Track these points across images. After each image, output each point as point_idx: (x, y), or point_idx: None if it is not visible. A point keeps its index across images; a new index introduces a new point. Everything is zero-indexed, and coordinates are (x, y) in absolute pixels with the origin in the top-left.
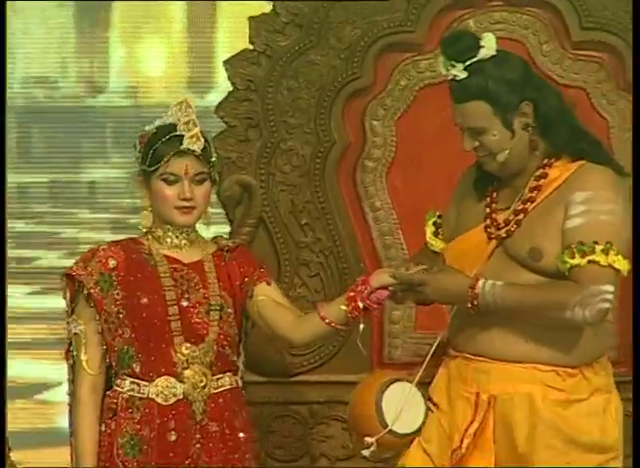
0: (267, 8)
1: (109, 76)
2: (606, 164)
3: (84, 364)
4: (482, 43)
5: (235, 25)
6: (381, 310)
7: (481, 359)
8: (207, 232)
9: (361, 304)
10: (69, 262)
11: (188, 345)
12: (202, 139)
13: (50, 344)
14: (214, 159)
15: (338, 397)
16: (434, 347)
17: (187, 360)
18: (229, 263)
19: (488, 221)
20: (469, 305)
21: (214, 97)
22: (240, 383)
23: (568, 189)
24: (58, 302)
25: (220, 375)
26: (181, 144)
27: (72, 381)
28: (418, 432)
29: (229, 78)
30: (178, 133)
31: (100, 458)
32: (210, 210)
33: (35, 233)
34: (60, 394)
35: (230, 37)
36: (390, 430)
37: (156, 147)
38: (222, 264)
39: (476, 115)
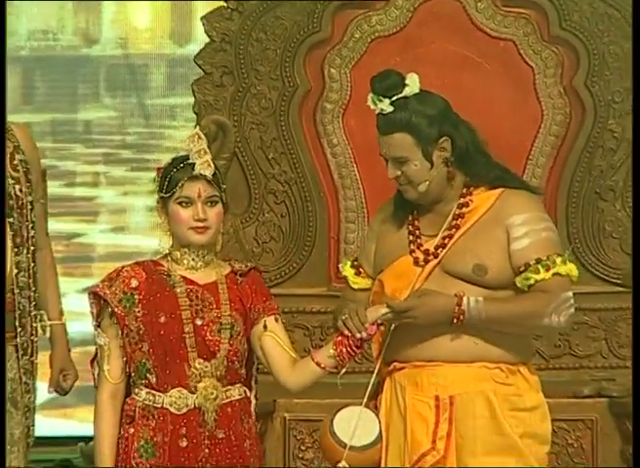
0: None
1: (102, 29)
2: (521, 187)
3: (106, 373)
4: (407, 82)
5: None
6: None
7: (436, 364)
8: None
9: (345, 350)
10: (69, 191)
11: (201, 360)
12: (212, 166)
13: None
14: (224, 186)
15: (300, 307)
16: (376, 370)
17: (200, 374)
18: (242, 286)
19: (412, 247)
20: (455, 321)
21: (193, 48)
22: (248, 393)
23: (500, 213)
24: None
25: (230, 387)
26: (194, 170)
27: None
28: (378, 441)
29: (206, 31)
30: (190, 161)
31: (118, 460)
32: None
33: None
34: None
35: None
36: (351, 446)
37: (171, 175)
38: (235, 287)
39: (400, 146)
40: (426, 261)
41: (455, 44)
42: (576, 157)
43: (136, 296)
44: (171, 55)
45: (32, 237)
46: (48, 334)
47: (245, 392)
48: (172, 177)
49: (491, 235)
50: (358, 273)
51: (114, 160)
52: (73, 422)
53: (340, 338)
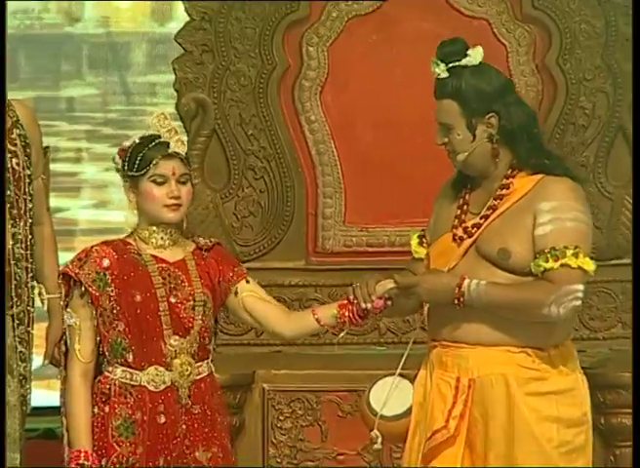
0: None
1: (84, 8)
2: (564, 175)
3: (77, 353)
4: (469, 52)
5: None
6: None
7: (460, 345)
8: None
9: (348, 314)
10: (52, 166)
11: (177, 337)
12: (185, 145)
13: None
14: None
15: (279, 281)
16: (410, 343)
17: (175, 350)
18: (208, 261)
19: (456, 223)
20: (456, 302)
21: (173, 27)
22: (213, 368)
23: (534, 199)
24: None
25: (200, 363)
26: (169, 148)
27: (65, 368)
28: (408, 412)
29: (186, 10)
30: (163, 139)
31: (94, 438)
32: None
33: None
34: None
35: None
36: (381, 416)
37: (144, 153)
38: (202, 263)
39: (446, 112)
40: (462, 239)
41: (429, 23)
42: (547, 134)
43: (108, 276)
44: (152, 33)
45: (30, 210)
46: (46, 307)
47: (211, 367)
48: (144, 156)
49: (520, 220)
50: (421, 243)
51: (96, 136)
52: (57, 393)
53: (346, 302)
